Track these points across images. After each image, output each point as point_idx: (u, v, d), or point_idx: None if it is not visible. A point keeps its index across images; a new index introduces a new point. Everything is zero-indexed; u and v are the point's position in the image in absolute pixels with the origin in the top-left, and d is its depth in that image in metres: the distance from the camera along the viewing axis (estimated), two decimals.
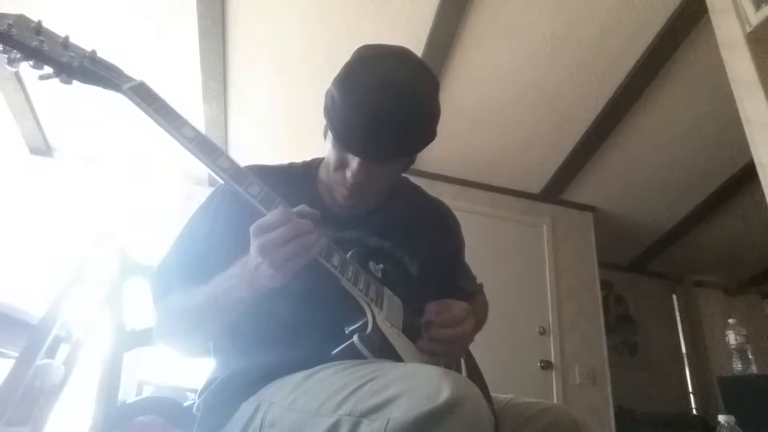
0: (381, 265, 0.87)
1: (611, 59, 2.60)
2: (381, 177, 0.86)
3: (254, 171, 0.89)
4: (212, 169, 0.71)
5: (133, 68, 0.77)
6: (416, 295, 0.88)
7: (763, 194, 1.49)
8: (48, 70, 0.70)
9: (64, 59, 0.70)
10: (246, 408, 0.76)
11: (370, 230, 0.91)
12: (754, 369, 2.17)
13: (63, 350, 1.57)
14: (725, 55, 1.70)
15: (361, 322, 0.76)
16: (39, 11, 0.72)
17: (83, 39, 0.75)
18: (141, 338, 1.11)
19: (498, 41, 2.54)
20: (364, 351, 0.71)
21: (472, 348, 0.97)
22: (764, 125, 1.50)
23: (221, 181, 0.72)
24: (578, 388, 3.07)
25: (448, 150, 3.17)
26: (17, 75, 2.77)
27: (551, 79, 2.72)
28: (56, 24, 0.73)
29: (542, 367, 3.06)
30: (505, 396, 0.88)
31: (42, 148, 3.30)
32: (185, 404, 1.12)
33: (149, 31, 2.50)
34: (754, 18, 1.57)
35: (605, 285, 3.96)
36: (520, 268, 3.32)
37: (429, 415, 0.50)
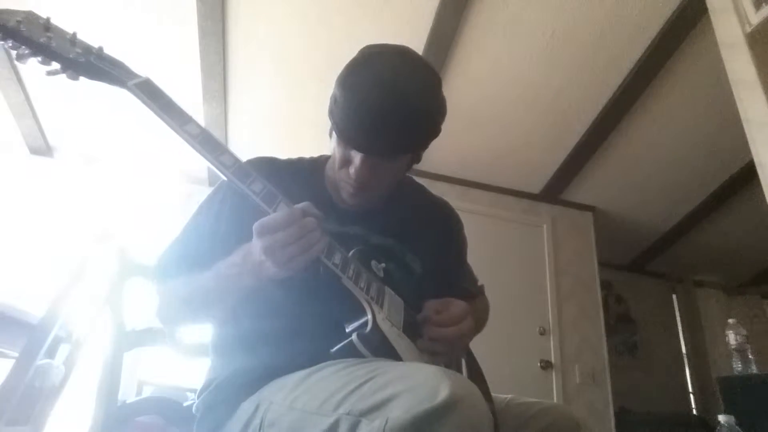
0: (383, 264, 0.87)
1: (611, 59, 2.60)
2: (384, 173, 0.86)
3: (263, 163, 0.93)
4: (215, 166, 0.72)
5: (132, 68, 0.77)
6: (418, 295, 0.88)
7: (763, 194, 1.49)
8: (55, 66, 0.71)
9: (71, 55, 0.71)
10: (246, 407, 0.76)
11: (374, 228, 0.92)
12: (754, 369, 2.17)
13: (63, 350, 1.57)
14: (725, 55, 1.70)
15: (361, 321, 0.76)
16: (39, 11, 0.72)
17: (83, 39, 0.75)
18: (141, 338, 1.11)
19: (498, 41, 2.54)
20: (363, 350, 0.71)
21: (473, 348, 0.97)
22: (764, 125, 1.50)
23: (224, 178, 0.72)
24: (578, 388, 3.07)
25: (448, 150, 3.17)
26: (17, 75, 2.77)
27: (551, 79, 2.72)
28: (56, 23, 0.73)
29: (542, 367, 3.06)
30: (505, 396, 0.88)
31: (42, 148, 3.30)
32: (185, 404, 1.12)
33: (149, 31, 2.50)
34: (754, 18, 1.57)
35: (605, 285, 3.96)
36: (520, 268, 3.32)
37: (428, 414, 0.50)
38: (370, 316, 0.75)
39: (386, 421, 0.51)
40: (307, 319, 0.82)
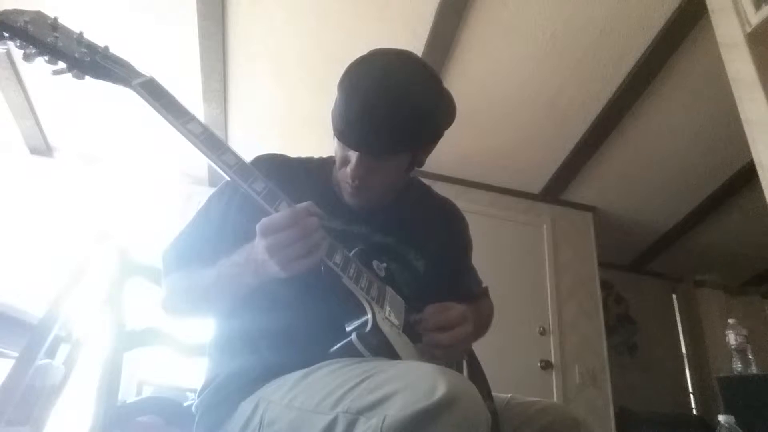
0: (385, 264, 0.87)
1: (611, 59, 2.60)
2: (381, 173, 0.86)
3: (275, 158, 0.95)
4: (217, 165, 0.72)
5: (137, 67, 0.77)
6: (420, 295, 0.88)
7: (763, 194, 1.49)
8: (62, 65, 0.71)
9: (77, 55, 0.71)
10: (245, 407, 0.76)
11: (377, 226, 0.93)
12: (754, 369, 2.17)
13: (63, 350, 1.57)
14: (725, 55, 1.70)
15: (360, 321, 0.76)
16: (40, 10, 0.72)
17: None
18: (141, 338, 1.10)
19: (498, 41, 2.54)
20: (363, 349, 0.72)
21: (473, 347, 0.97)
22: (764, 125, 1.50)
23: (226, 177, 0.73)
24: (578, 388, 3.07)
25: (448, 150, 3.16)
26: (17, 75, 2.77)
27: (551, 78, 2.72)
28: (63, 23, 0.74)
29: (542, 367, 3.06)
30: (505, 395, 0.88)
31: (42, 148, 3.30)
32: (185, 404, 1.12)
33: (149, 31, 2.50)
34: (754, 18, 1.57)
35: (605, 285, 3.96)
36: (520, 268, 3.32)
37: (425, 412, 0.50)
38: (370, 316, 0.76)
39: (384, 419, 0.52)
40: (307, 319, 0.82)
